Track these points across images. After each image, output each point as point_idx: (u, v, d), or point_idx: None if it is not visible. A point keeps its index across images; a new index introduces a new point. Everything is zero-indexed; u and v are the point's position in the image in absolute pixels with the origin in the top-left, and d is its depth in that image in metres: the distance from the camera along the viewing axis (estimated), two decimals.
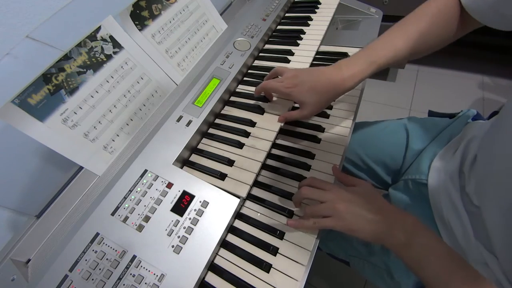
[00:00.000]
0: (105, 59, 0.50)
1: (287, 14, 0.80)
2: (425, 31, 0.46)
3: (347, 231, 0.39)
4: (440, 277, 0.33)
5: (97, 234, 0.41)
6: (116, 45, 0.52)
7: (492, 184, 0.38)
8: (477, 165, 0.44)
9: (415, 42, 0.46)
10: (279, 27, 0.76)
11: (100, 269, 0.38)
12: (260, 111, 0.56)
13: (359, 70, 0.47)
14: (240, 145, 0.51)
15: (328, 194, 0.41)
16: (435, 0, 0.47)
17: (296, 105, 0.59)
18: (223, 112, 0.58)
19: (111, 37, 0.51)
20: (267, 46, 0.71)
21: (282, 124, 0.54)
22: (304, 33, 0.71)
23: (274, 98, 0.57)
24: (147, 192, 0.44)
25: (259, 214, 0.46)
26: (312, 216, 0.41)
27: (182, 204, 0.42)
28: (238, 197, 0.44)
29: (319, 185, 0.43)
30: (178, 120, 0.52)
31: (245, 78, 0.64)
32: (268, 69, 0.64)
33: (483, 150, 0.43)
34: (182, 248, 0.39)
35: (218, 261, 0.42)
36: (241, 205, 0.47)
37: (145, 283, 0.37)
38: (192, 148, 0.52)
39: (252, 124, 0.54)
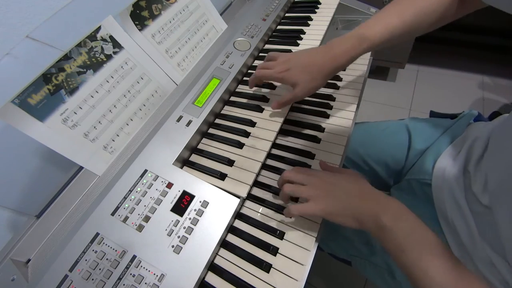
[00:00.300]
0: (105, 59, 0.50)
1: (287, 14, 0.80)
2: (422, 9, 0.45)
3: (326, 215, 0.39)
4: (420, 262, 0.32)
5: (97, 234, 0.41)
6: (116, 45, 0.52)
7: (508, 183, 0.38)
8: (490, 164, 0.43)
9: (411, 20, 0.45)
10: (279, 27, 0.76)
11: (100, 269, 0.38)
12: (260, 110, 0.56)
13: (350, 46, 0.46)
14: (240, 145, 0.51)
15: (311, 177, 0.41)
16: None
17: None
18: (223, 112, 0.58)
19: (111, 37, 0.51)
20: (267, 46, 0.71)
21: (282, 122, 0.53)
22: (304, 33, 0.71)
23: (273, 99, 0.57)
24: (147, 192, 0.44)
25: (259, 214, 0.46)
26: (292, 195, 0.42)
27: (182, 204, 0.42)
28: (238, 197, 0.44)
29: (304, 171, 0.43)
30: (178, 120, 0.52)
31: (245, 78, 0.64)
32: None
33: (499, 149, 0.42)
34: (182, 248, 0.39)
35: (218, 261, 0.42)
36: (241, 205, 0.47)
37: (145, 283, 0.37)
38: (192, 148, 0.52)
39: (252, 124, 0.54)
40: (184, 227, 0.41)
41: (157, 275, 0.37)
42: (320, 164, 0.48)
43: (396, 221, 0.35)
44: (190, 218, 0.41)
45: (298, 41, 0.68)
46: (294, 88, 0.49)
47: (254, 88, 0.60)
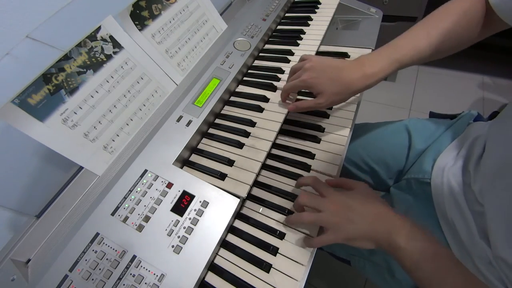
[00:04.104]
0: (105, 59, 0.50)
1: (287, 14, 0.80)
2: (449, 31, 0.45)
3: (345, 241, 0.39)
4: (434, 277, 0.34)
5: (97, 234, 0.41)
6: (116, 45, 0.52)
7: (500, 175, 0.39)
8: (486, 162, 0.44)
9: (438, 42, 0.46)
10: (279, 27, 0.76)
11: (100, 269, 0.38)
12: (260, 110, 0.56)
13: (381, 68, 0.46)
14: (240, 145, 0.51)
15: (326, 203, 0.41)
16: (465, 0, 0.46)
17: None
18: (223, 112, 0.58)
19: (111, 37, 0.51)
20: (267, 46, 0.71)
21: (282, 122, 0.53)
22: (304, 33, 0.71)
23: (273, 99, 0.57)
24: (147, 192, 0.44)
25: (259, 214, 0.46)
26: (310, 223, 0.42)
27: (182, 204, 0.42)
28: (238, 197, 0.44)
29: (318, 189, 0.43)
30: (178, 120, 0.52)
31: (245, 78, 0.64)
32: (268, 69, 0.64)
33: (494, 144, 0.43)
34: (182, 248, 0.39)
35: (218, 261, 0.42)
36: (241, 205, 0.47)
37: (145, 283, 0.37)
38: (192, 148, 0.52)
39: (252, 124, 0.54)
40: (184, 227, 0.41)
41: (157, 275, 0.37)
42: (327, 182, 0.46)
43: (409, 241, 0.36)
44: (190, 218, 0.41)
45: (298, 41, 0.68)
46: (318, 97, 0.49)
47: (254, 89, 0.60)
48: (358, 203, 0.40)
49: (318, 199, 0.42)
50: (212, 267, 0.42)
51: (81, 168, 0.51)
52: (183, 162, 0.50)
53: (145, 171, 0.46)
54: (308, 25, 0.72)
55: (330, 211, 0.40)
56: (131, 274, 0.38)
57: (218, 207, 0.43)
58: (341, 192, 0.43)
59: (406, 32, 0.48)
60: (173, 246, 0.39)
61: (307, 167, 0.51)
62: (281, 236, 0.43)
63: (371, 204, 0.41)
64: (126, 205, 0.43)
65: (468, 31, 0.46)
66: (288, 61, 0.65)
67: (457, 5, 0.46)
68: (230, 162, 0.49)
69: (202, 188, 0.44)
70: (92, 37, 0.49)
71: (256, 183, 0.50)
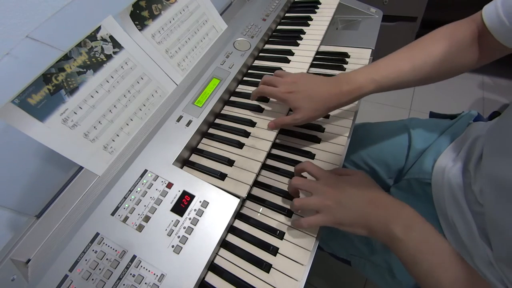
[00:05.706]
0: (105, 59, 0.50)
1: (287, 14, 0.80)
2: (435, 56, 0.44)
3: (336, 225, 0.38)
4: (433, 272, 0.32)
5: (97, 234, 0.41)
6: (116, 45, 0.52)
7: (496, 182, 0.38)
8: (486, 162, 0.44)
9: (423, 66, 0.45)
10: (279, 27, 0.76)
11: (100, 269, 0.38)
12: (260, 110, 0.56)
13: (358, 86, 0.46)
14: (240, 145, 0.51)
15: (319, 185, 0.40)
16: (453, 25, 0.45)
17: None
18: (223, 112, 0.58)
19: (111, 37, 0.51)
20: (267, 46, 0.71)
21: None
22: (304, 33, 0.71)
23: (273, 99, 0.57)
24: (147, 192, 0.44)
25: (259, 214, 0.46)
26: (302, 209, 0.41)
27: (182, 204, 0.42)
28: (238, 197, 0.44)
29: (313, 172, 0.43)
30: (178, 120, 0.52)
31: (245, 78, 0.64)
32: (268, 69, 0.64)
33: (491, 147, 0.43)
34: (182, 248, 0.39)
35: (218, 261, 0.42)
36: (241, 205, 0.47)
37: (145, 283, 0.37)
38: (192, 148, 0.52)
39: (252, 124, 0.54)
40: (184, 227, 0.41)
41: (157, 275, 0.37)
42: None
43: (407, 232, 0.34)
44: (190, 218, 0.41)
45: (298, 41, 0.68)
46: (295, 113, 0.49)
47: (254, 88, 0.60)
48: (352, 187, 0.39)
49: (310, 182, 0.41)
50: (212, 267, 0.41)
51: (81, 168, 0.51)
52: (183, 162, 0.50)
53: (145, 171, 0.46)
54: (308, 25, 0.72)
55: (321, 193, 0.39)
56: (131, 274, 0.38)
57: (218, 207, 0.43)
58: (336, 176, 0.42)
59: (391, 53, 0.48)
60: (173, 246, 0.39)
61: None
62: (281, 236, 0.43)
63: (367, 189, 0.39)
64: (126, 205, 0.43)
65: (460, 56, 0.45)
66: (288, 61, 0.65)
67: (447, 30, 0.45)
68: (230, 162, 0.49)
69: (202, 188, 0.44)
70: (92, 37, 0.49)
71: (256, 183, 0.50)
